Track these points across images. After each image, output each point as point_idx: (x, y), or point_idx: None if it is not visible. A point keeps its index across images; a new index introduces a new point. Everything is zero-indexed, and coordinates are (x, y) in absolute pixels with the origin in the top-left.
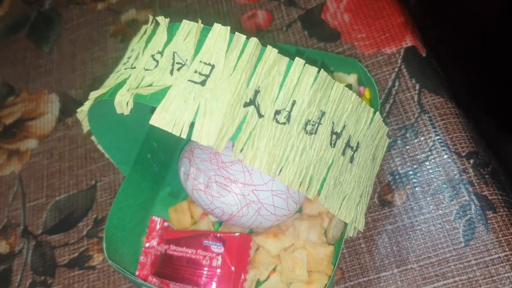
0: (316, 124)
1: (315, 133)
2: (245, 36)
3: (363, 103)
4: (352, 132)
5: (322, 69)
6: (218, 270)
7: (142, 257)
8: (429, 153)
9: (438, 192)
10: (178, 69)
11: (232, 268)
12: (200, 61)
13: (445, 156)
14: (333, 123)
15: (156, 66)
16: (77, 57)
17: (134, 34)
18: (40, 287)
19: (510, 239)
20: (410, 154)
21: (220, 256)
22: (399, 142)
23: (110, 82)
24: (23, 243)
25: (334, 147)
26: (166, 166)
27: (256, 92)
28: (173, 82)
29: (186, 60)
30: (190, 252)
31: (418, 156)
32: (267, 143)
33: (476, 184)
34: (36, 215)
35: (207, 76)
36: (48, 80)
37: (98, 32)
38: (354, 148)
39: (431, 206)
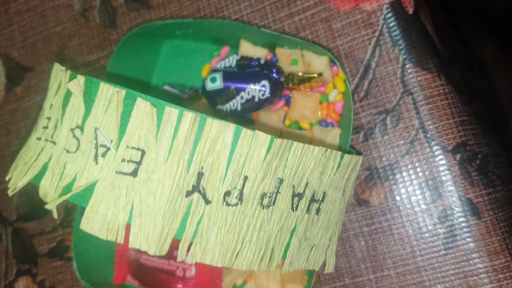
0: (274, 195)
1: (273, 204)
2: (178, 110)
3: (328, 151)
4: (317, 186)
5: (275, 139)
6: (194, 281)
7: (117, 258)
8: (410, 145)
9: (419, 192)
10: (103, 155)
11: (207, 277)
12: (127, 146)
13: (428, 150)
14: (293, 186)
15: (77, 148)
16: (11, 7)
17: None
18: (27, 275)
19: (491, 249)
20: (389, 146)
21: (193, 266)
22: (376, 131)
23: (29, 154)
24: (1, 229)
25: (296, 210)
26: None
27: (200, 174)
28: (99, 174)
29: (111, 141)
30: (162, 262)
31: (398, 149)
32: (219, 232)
33: (461, 185)
34: (7, 199)
35: (138, 163)
36: None
37: None
38: (320, 199)
39: (410, 209)
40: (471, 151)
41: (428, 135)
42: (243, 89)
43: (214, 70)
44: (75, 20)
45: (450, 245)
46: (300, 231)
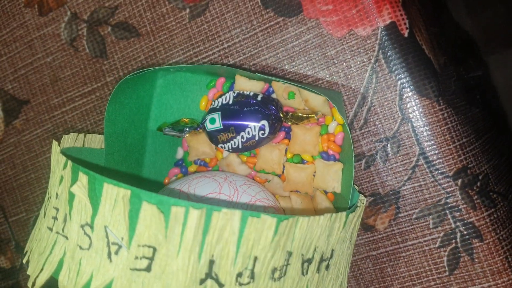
0: (284, 267)
1: (285, 275)
2: (184, 209)
3: (333, 216)
4: (325, 248)
5: (281, 222)
6: None
7: None
8: (411, 171)
9: (422, 217)
10: (116, 252)
11: None
12: (139, 245)
13: (430, 176)
14: (302, 255)
15: (90, 245)
16: None
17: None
18: None
19: (494, 269)
20: (391, 173)
21: None
22: (378, 158)
23: (43, 244)
24: (20, 259)
25: (306, 274)
26: None
27: (211, 262)
28: (114, 272)
29: (122, 239)
30: None
31: (400, 175)
32: None
33: (463, 210)
34: (22, 230)
35: (151, 259)
36: None
37: (9, 3)
38: (329, 257)
39: (414, 233)
40: (472, 174)
41: (429, 162)
42: (243, 129)
43: (213, 109)
44: (64, 50)
45: (454, 267)
46: None
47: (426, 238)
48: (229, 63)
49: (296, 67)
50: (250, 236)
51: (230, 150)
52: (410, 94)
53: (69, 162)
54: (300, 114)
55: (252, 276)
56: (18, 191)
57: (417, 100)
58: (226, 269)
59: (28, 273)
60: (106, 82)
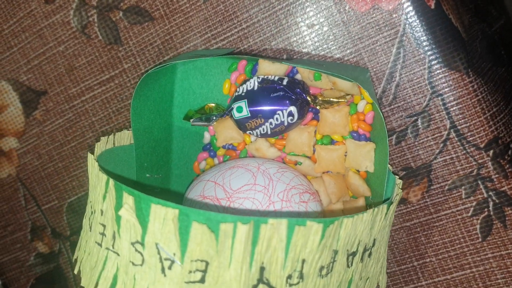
0: (331, 264)
1: (331, 271)
2: (232, 225)
3: (375, 210)
4: (367, 239)
5: (327, 227)
6: None
7: None
8: (443, 145)
9: (454, 188)
10: (170, 267)
11: None
12: (191, 260)
13: (461, 149)
14: (347, 250)
15: (143, 262)
16: (4, 29)
17: None
18: None
19: None
20: (422, 147)
21: None
22: (409, 133)
23: (93, 259)
24: (58, 244)
25: (351, 265)
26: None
27: (262, 269)
28: (169, 286)
29: (174, 254)
30: None
31: (431, 149)
32: None
33: (495, 179)
34: (56, 217)
35: (204, 271)
36: None
37: None
38: (371, 246)
39: (447, 204)
40: (503, 143)
41: (460, 135)
42: (271, 116)
43: (238, 96)
44: (76, 38)
45: (486, 234)
46: (356, 278)
47: (458, 208)
48: (249, 44)
49: (320, 45)
50: (297, 243)
51: (259, 136)
52: (439, 68)
53: (111, 181)
54: (329, 98)
55: (301, 276)
56: (47, 180)
57: (446, 74)
58: (276, 274)
59: (82, 285)
60: (124, 69)
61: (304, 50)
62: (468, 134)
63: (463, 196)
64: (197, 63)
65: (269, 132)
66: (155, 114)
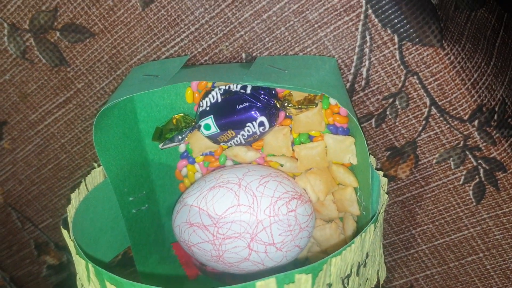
0: None
1: None
2: None
3: (363, 235)
4: (360, 258)
5: (316, 277)
6: None
7: (181, 261)
8: (425, 122)
9: (442, 161)
10: None
11: None
12: None
13: (445, 123)
14: (341, 278)
15: None
16: None
17: None
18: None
19: None
20: (404, 126)
21: None
22: (388, 113)
23: None
24: (65, 255)
25: (348, 285)
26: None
27: None
28: None
29: None
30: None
31: (414, 127)
32: None
33: (483, 148)
34: (55, 232)
35: None
36: None
37: None
38: (365, 258)
39: (437, 176)
40: (487, 110)
41: (441, 110)
42: (242, 128)
43: (203, 113)
44: (19, 65)
45: (480, 198)
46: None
47: (449, 178)
48: (202, 47)
49: (278, 39)
50: None
51: (234, 145)
52: (410, 46)
53: (91, 268)
54: (299, 106)
55: None
56: (36, 202)
57: (419, 51)
58: None
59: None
60: (78, 89)
61: (262, 47)
62: (450, 108)
63: (452, 167)
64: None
65: (243, 142)
66: (122, 138)
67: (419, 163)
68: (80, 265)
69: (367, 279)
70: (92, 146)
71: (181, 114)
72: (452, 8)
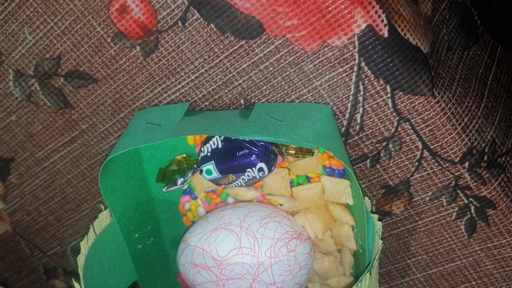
0: None
1: None
2: None
3: (358, 284)
4: None
5: None
6: None
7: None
8: (417, 163)
9: (435, 198)
10: None
11: None
12: None
13: (436, 165)
14: None
15: None
16: None
17: None
18: None
19: (510, 228)
20: (398, 167)
21: None
22: (382, 155)
23: None
24: (73, 280)
25: None
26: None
27: None
28: None
29: None
30: None
31: (407, 168)
32: None
33: (474, 187)
34: (63, 259)
35: None
36: None
37: None
38: None
39: (430, 212)
40: (477, 152)
41: (433, 153)
42: (242, 173)
43: (204, 158)
44: (25, 107)
45: (471, 232)
46: None
47: (442, 214)
48: (202, 93)
49: (275, 87)
50: None
51: (235, 187)
52: (402, 95)
53: None
54: (298, 155)
55: None
56: (44, 231)
57: (411, 100)
58: None
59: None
60: (83, 130)
61: (260, 94)
62: (442, 151)
63: (445, 204)
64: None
65: (243, 185)
66: (127, 179)
67: (413, 200)
68: None
69: None
70: (97, 181)
71: (184, 155)
72: (445, 51)
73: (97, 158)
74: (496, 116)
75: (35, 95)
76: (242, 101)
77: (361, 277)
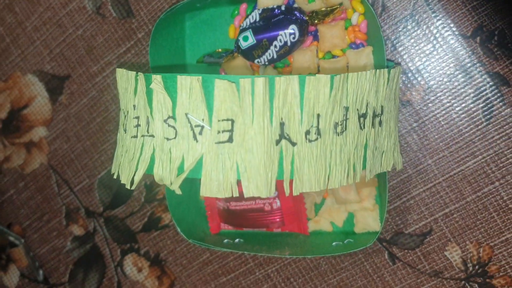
0: (344, 121)
1: (346, 129)
2: (250, 79)
3: (377, 71)
4: (375, 103)
5: (335, 76)
6: (281, 210)
7: (208, 212)
8: (434, 41)
9: (452, 79)
10: (200, 133)
11: (291, 203)
12: (218, 120)
13: (451, 41)
14: (357, 110)
15: (176, 134)
16: (27, 26)
17: None
18: (131, 252)
19: None
20: (416, 47)
21: (277, 198)
22: (402, 37)
23: (131, 152)
24: (93, 222)
25: (364, 128)
26: None
27: (282, 124)
28: (202, 149)
29: (203, 120)
30: (250, 203)
31: (425, 48)
32: (309, 164)
33: (486, 63)
34: (88, 195)
35: (231, 131)
36: (14, 61)
37: None
38: (380, 113)
39: (448, 95)
40: (488, 31)
41: (447, 29)
42: (275, 38)
43: (243, 29)
44: (92, 20)
45: (489, 116)
46: (371, 144)
47: (459, 98)
48: None
49: None
50: (310, 96)
51: (266, 63)
52: None
53: (140, 74)
54: (324, 9)
55: (318, 132)
56: (77, 161)
57: None
58: (295, 129)
59: (122, 182)
60: (138, 39)
61: None
62: (454, 27)
63: (461, 85)
64: (203, 17)
65: (275, 56)
66: (172, 61)
67: (431, 84)
68: (130, 82)
69: (384, 152)
70: None
71: (222, 49)
72: None
73: (144, 68)
74: (506, 16)
75: (104, 7)
76: None
77: (378, 69)
